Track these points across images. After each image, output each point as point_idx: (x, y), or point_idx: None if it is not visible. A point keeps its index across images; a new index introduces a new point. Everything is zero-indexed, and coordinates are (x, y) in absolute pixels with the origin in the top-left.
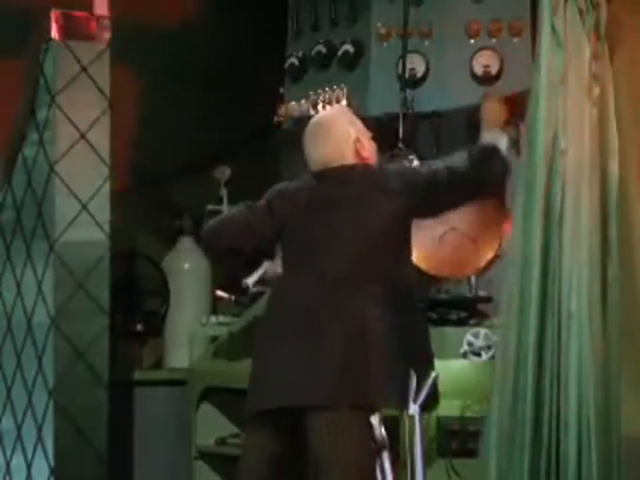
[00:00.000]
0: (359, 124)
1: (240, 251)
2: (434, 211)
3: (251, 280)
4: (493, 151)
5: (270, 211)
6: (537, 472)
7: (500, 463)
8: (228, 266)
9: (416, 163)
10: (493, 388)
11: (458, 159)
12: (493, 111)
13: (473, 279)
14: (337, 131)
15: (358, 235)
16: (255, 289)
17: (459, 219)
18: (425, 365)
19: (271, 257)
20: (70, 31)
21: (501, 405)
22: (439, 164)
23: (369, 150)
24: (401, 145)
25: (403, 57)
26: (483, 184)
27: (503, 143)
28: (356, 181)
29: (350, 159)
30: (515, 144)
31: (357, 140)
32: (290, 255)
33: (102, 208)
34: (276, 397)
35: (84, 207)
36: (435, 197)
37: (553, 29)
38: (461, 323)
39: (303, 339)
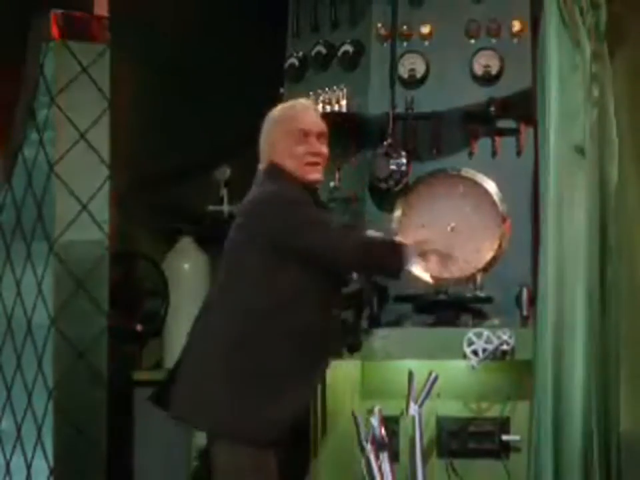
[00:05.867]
0: (307, 121)
1: None
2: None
3: None
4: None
5: None
6: None
7: None
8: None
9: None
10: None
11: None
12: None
13: (475, 278)
14: (268, 129)
15: (230, 257)
16: None
17: (459, 219)
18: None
19: None
20: (70, 31)
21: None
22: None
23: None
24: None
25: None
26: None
27: None
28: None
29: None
30: None
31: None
32: None
33: (102, 208)
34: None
35: (84, 207)
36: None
37: (556, 28)
38: (461, 323)
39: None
